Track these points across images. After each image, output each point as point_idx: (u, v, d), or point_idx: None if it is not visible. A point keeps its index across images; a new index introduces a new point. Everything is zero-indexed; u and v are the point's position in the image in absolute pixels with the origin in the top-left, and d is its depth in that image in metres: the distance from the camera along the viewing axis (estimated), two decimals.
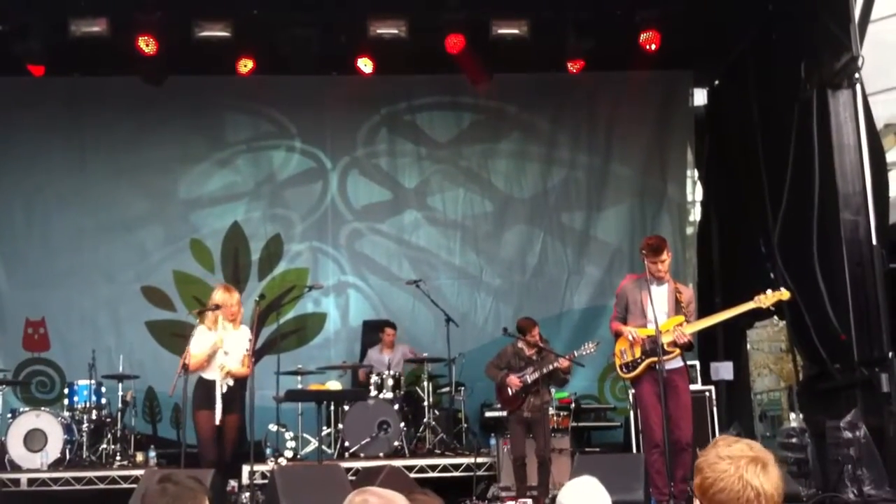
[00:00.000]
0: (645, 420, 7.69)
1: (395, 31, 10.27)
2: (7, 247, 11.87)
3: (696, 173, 12.73)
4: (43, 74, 10.87)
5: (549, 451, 8.79)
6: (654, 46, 10.44)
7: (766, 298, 7.46)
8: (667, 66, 11.79)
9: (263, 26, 10.50)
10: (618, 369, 7.90)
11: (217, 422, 7.77)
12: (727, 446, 2.52)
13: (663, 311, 7.54)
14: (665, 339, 7.37)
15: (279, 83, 12.00)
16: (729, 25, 10.82)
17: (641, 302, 7.66)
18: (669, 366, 7.42)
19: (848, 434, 8.17)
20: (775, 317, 11.65)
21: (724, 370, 10.79)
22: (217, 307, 8.05)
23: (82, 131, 12.05)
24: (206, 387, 7.93)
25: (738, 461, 2.45)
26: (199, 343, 7.96)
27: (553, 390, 9.47)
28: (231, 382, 7.93)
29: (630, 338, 7.63)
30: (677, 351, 7.48)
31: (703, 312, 10.70)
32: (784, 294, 7.49)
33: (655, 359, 7.37)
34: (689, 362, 9.83)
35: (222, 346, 7.84)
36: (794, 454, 8.77)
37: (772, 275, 10.40)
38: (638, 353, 7.60)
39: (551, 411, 9.93)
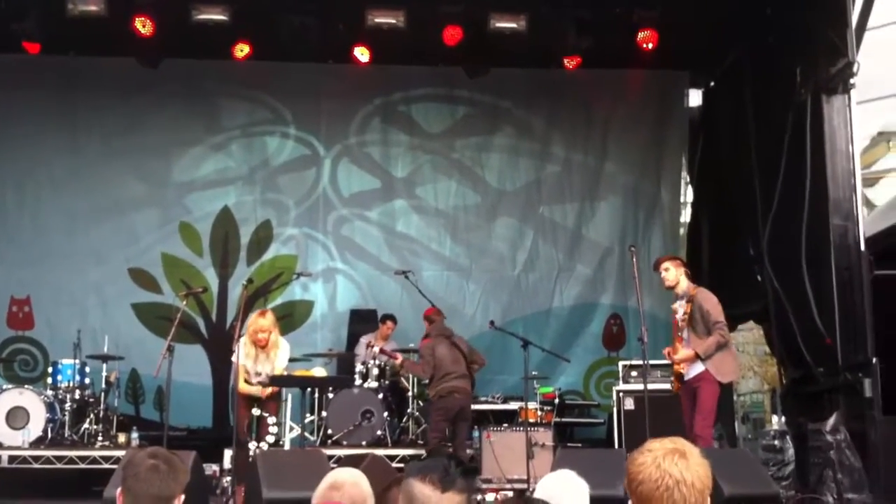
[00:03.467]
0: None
1: (393, 22, 10.27)
2: None
3: (688, 175, 12.73)
4: (38, 53, 10.85)
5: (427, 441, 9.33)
6: (651, 46, 10.48)
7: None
8: (663, 66, 11.84)
9: (261, 12, 10.48)
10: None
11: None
12: (651, 443, 2.59)
13: (683, 326, 7.98)
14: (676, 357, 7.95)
15: (275, 69, 12.01)
16: (726, 28, 10.83)
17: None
18: (692, 373, 7.89)
19: (829, 438, 8.23)
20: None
21: None
22: (204, 290, 8.16)
23: (76, 112, 11.99)
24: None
25: (655, 452, 2.52)
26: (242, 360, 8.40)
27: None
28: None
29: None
30: (679, 368, 7.93)
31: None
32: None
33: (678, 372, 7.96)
34: None
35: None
36: (776, 456, 8.82)
37: (759, 277, 10.44)
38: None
39: (533, 406, 10.04)
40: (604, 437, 10.78)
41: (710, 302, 7.92)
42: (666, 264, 8.22)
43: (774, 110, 10.07)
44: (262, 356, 8.43)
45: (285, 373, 8.67)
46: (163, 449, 3.37)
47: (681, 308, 7.99)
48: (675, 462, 2.47)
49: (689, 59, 12.06)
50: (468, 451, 9.58)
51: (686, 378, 7.90)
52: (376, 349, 10.36)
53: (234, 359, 8.43)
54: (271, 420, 8.15)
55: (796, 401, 9.76)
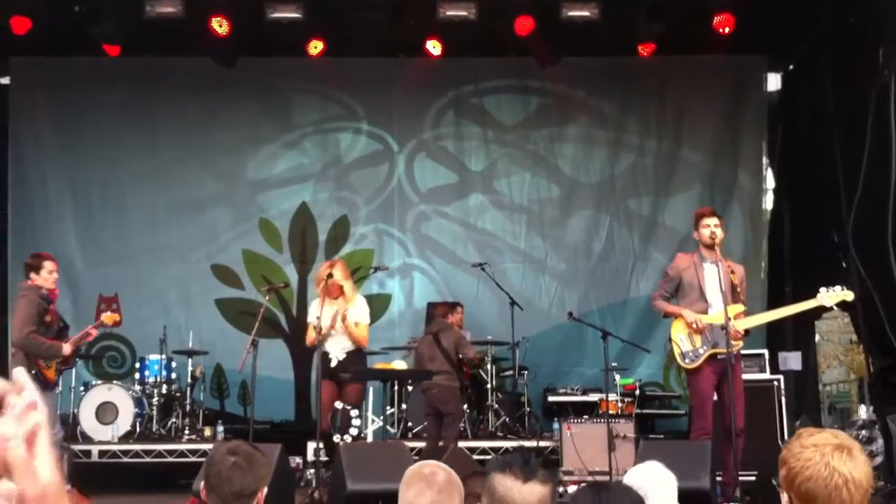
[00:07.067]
0: (700, 407, 7.57)
1: (465, 14, 10.23)
2: (82, 225, 12.10)
3: (768, 161, 12.48)
4: (118, 55, 11.09)
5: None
6: (727, 30, 10.26)
7: (830, 297, 7.30)
8: (740, 51, 11.62)
9: (334, 8, 10.56)
10: (677, 357, 7.70)
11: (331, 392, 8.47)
12: (810, 436, 2.49)
13: (719, 293, 7.39)
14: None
15: (348, 65, 12.08)
16: (804, 8, 10.59)
17: (699, 284, 7.51)
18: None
19: None
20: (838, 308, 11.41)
21: (792, 360, 10.61)
22: (286, 285, 8.34)
23: (155, 112, 12.22)
24: (324, 358, 8.55)
25: (822, 448, 2.42)
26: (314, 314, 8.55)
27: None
28: (342, 356, 8.47)
29: (695, 325, 7.46)
30: (741, 343, 7.35)
31: (773, 302, 10.60)
32: (848, 295, 7.30)
33: (718, 350, 7.29)
34: (757, 351, 9.83)
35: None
36: (863, 447, 8.62)
37: (844, 264, 10.19)
38: (699, 343, 7.45)
39: (613, 397, 9.94)
40: (685, 428, 10.64)
41: (742, 272, 7.66)
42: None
43: (856, 92, 9.80)
44: (330, 306, 8.51)
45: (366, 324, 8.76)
46: (243, 444, 3.45)
47: (711, 271, 7.41)
48: (843, 460, 2.39)
49: (767, 43, 11.80)
50: (549, 442, 9.57)
51: (719, 357, 7.23)
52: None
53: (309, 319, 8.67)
54: (354, 412, 8.24)
55: (884, 390, 9.51)
